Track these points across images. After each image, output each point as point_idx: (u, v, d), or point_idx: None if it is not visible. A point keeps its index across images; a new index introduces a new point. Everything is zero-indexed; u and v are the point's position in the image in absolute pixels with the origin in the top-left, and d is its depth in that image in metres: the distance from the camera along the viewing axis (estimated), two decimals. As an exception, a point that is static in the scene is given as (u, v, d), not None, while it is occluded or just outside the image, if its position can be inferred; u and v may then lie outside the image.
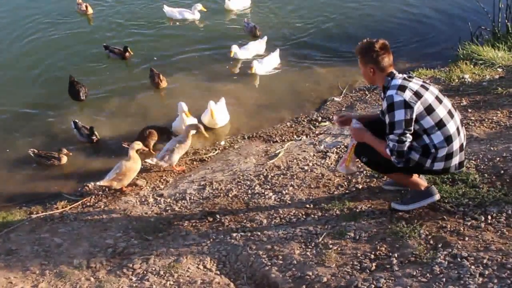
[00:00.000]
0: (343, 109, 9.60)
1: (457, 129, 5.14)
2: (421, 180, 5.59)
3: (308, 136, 8.66)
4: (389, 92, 5.04)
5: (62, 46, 12.57)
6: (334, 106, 9.88)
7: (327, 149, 7.80)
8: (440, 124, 5.05)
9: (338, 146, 7.81)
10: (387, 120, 5.06)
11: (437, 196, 5.55)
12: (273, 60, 11.41)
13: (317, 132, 8.75)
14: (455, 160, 5.21)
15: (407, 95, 4.97)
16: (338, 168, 6.22)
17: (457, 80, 9.61)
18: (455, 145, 5.12)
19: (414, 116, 4.97)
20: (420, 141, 5.14)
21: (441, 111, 5.05)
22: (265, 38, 12.09)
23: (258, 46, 11.94)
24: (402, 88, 5.01)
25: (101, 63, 11.79)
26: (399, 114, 4.96)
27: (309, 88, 10.66)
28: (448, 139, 5.08)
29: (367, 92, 10.28)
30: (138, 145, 7.75)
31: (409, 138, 5.05)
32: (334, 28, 13.32)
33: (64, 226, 6.76)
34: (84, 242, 6.23)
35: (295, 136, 8.79)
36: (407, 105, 4.94)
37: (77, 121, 9.11)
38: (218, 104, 9.36)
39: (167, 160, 7.95)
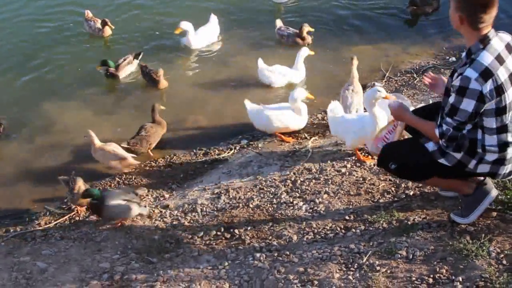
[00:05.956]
0: (387, 96, 9.53)
1: None
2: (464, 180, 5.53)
3: (345, 131, 8.57)
4: (469, 73, 4.79)
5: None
6: (375, 93, 9.79)
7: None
8: (502, 130, 4.95)
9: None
10: (451, 99, 4.90)
11: (494, 192, 5.45)
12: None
13: (355, 125, 8.67)
14: (507, 168, 5.14)
15: (488, 87, 4.76)
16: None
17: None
18: (510, 153, 5.06)
19: (481, 111, 4.87)
20: (472, 132, 5.05)
21: (511, 115, 4.95)
22: (212, 15, 12.19)
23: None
24: (487, 75, 4.76)
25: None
26: (468, 105, 4.82)
27: (343, 71, 10.56)
28: (502, 146, 5.01)
29: (415, 75, 10.20)
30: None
31: (468, 127, 4.97)
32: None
33: (49, 246, 6.75)
34: (73, 266, 6.22)
35: (327, 131, 8.72)
36: (481, 99, 4.78)
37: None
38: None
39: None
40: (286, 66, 10.48)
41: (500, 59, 4.82)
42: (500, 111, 4.86)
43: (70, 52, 11.89)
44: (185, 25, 11.74)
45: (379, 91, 7.06)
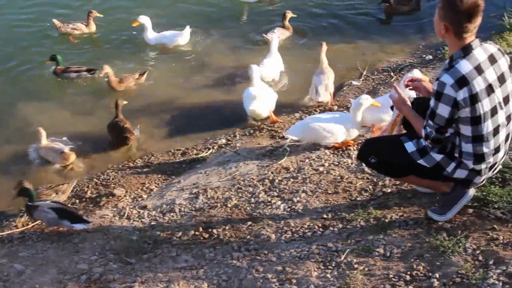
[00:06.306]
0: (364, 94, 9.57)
1: (496, 148, 5.06)
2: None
3: (322, 130, 8.60)
4: (444, 78, 4.86)
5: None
6: (353, 91, 9.87)
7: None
8: (477, 139, 4.99)
9: (360, 141, 7.76)
10: (431, 103, 4.99)
11: (471, 191, 5.47)
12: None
13: (332, 124, 8.70)
14: (481, 178, 5.24)
15: (461, 94, 4.82)
16: None
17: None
18: (485, 164, 5.11)
19: (456, 117, 4.92)
20: (452, 136, 5.11)
21: (487, 125, 4.94)
22: (187, 28, 12.09)
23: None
24: (462, 82, 4.81)
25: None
26: (443, 110, 4.89)
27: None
28: (478, 157, 5.06)
29: (392, 74, 10.25)
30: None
31: (451, 130, 5.04)
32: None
33: (26, 248, 6.70)
34: (51, 268, 6.17)
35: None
36: (455, 105, 4.85)
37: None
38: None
39: None
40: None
41: (479, 69, 4.85)
42: (475, 120, 4.89)
43: (44, 51, 11.86)
44: (143, 19, 11.85)
45: (366, 99, 7.59)
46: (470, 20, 4.78)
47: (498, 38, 10.25)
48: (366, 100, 7.63)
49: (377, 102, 7.73)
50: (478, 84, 4.81)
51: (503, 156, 5.25)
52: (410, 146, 5.29)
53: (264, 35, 11.76)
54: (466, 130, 4.96)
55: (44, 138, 8.95)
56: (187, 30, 11.96)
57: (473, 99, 4.81)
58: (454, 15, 4.81)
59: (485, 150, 5.01)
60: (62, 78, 11.02)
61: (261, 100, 9.17)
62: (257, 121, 9.38)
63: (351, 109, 7.81)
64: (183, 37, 11.98)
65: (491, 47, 4.99)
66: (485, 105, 4.86)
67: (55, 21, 12.45)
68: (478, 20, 4.83)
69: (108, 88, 10.64)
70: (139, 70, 10.88)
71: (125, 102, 9.52)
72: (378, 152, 5.52)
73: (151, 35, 11.97)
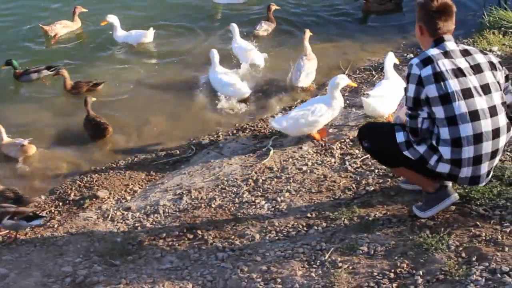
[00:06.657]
0: (346, 94, 9.59)
1: (477, 136, 4.97)
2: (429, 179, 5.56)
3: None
4: (412, 60, 5.11)
5: None
6: (335, 90, 9.85)
7: (328, 144, 7.78)
8: (452, 121, 4.97)
9: (343, 140, 7.79)
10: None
11: (454, 197, 5.50)
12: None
13: (315, 123, 8.71)
14: (466, 172, 5.13)
15: (425, 71, 4.97)
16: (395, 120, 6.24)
17: (483, 54, 9.64)
18: (467, 152, 5.02)
19: (424, 97, 5.00)
20: (430, 125, 5.15)
21: (460, 106, 4.93)
22: (151, 30, 12.16)
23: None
24: (427, 61, 5.01)
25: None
26: (410, 90, 5.06)
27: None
28: (455, 142, 5.01)
29: (374, 73, 10.28)
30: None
31: (423, 115, 5.08)
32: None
33: (10, 252, 6.66)
34: (35, 271, 6.13)
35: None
36: (420, 82, 4.99)
37: None
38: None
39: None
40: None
41: (447, 54, 5.06)
42: (444, 98, 4.95)
43: (26, 52, 11.84)
44: (111, 18, 11.99)
45: (343, 78, 7.95)
46: (441, 17, 5.09)
47: (478, 36, 10.34)
48: (343, 79, 7.92)
49: (354, 83, 8.41)
50: (444, 64, 4.99)
51: (492, 153, 5.10)
52: (400, 136, 5.30)
53: (256, 30, 11.94)
54: (438, 111, 4.99)
55: (4, 134, 9.00)
56: (151, 30, 12.06)
57: (437, 76, 4.96)
58: (426, 14, 5.13)
59: (461, 134, 4.97)
60: (22, 81, 10.97)
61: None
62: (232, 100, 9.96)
63: (328, 88, 7.99)
64: (147, 37, 12.06)
65: (467, 46, 5.27)
66: (452, 84, 4.95)
67: (42, 26, 12.36)
68: (450, 21, 5.13)
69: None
70: (96, 79, 10.73)
71: (93, 99, 9.60)
72: (372, 138, 5.59)
73: (119, 33, 12.10)
